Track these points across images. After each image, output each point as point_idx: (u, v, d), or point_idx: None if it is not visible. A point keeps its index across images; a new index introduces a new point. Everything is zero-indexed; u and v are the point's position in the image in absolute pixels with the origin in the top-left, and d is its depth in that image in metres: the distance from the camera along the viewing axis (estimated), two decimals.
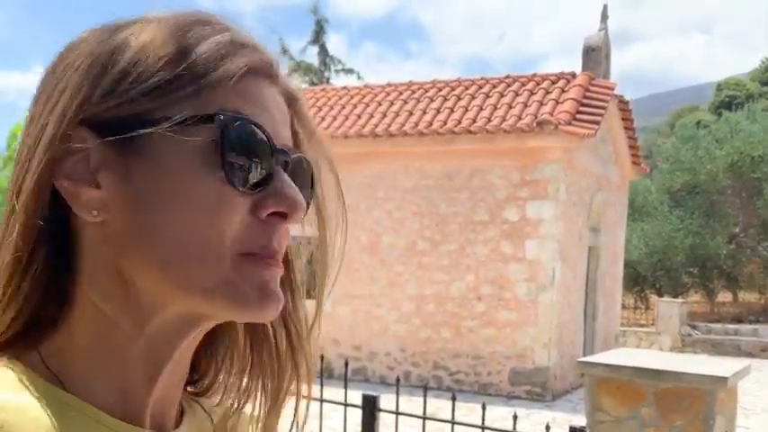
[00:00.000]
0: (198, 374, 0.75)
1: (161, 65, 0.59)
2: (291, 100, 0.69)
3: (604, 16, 14.30)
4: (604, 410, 4.26)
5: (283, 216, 0.62)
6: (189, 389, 0.74)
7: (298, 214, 0.63)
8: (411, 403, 9.94)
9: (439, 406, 10.17)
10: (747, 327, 19.04)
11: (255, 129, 0.61)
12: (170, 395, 0.68)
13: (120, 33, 0.62)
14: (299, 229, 0.67)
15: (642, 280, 22.29)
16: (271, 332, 0.72)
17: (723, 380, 3.91)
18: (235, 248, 0.60)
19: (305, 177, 0.67)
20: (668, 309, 18.95)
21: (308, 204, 0.66)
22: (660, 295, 21.01)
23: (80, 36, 0.64)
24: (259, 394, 0.72)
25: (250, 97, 0.62)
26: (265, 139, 0.61)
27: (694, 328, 19.07)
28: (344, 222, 0.73)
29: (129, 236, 0.60)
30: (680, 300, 19.71)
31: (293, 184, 0.63)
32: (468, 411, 10.03)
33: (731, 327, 19.20)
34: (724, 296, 22.45)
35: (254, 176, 0.60)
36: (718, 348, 18.19)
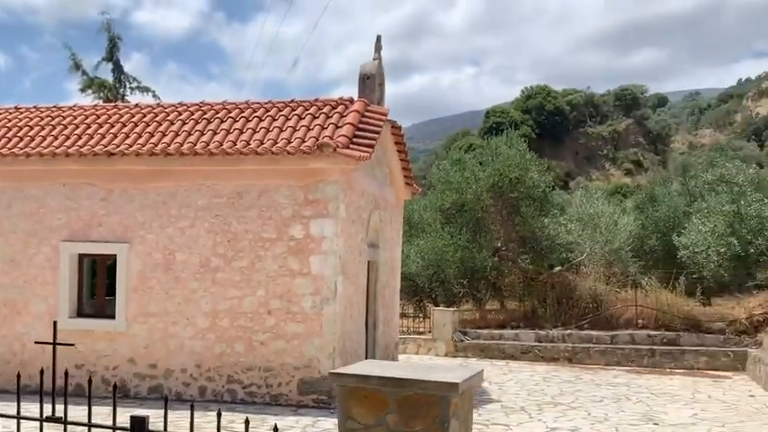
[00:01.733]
0: None
1: None
2: None
3: (378, 47, 14.91)
4: (354, 419, 4.36)
5: None
6: None
7: None
8: (206, 418, 10.34)
9: (232, 419, 10.61)
10: (510, 332, 20.21)
11: None
12: None
13: None
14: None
15: (421, 291, 23.28)
16: None
17: (455, 386, 4.14)
18: None
19: None
20: (442, 317, 20.07)
21: None
22: (437, 305, 22.01)
23: None
24: None
25: None
26: None
27: (465, 334, 20.13)
28: None
29: None
30: (452, 309, 20.83)
31: None
32: (260, 423, 10.59)
33: (496, 332, 20.30)
34: (493, 304, 24.01)
35: None
36: (485, 352, 19.50)
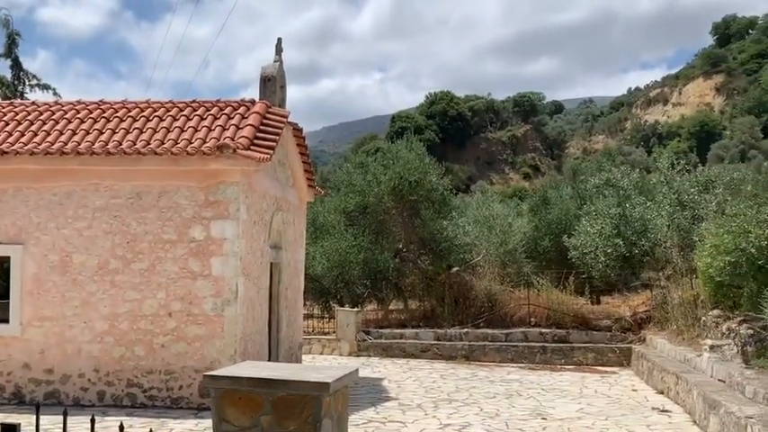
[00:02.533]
0: None
1: None
2: None
3: (279, 49, 15.02)
4: (229, 421, 4.36)
5: None
6: None
7: None
8: (102, 423, 10.23)
9: (131, 424, 10.52)
10: (411, 331, 20.63)
11: None
12: None
13: None
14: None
15: (326, 292, 23.42)
16: None
17: (326, 385, 4.21)
18: None
19: None
20: (346, 317, 20.36)
21: None
22: (342, 305, 22.22)
23: None
24: None
25: None
26: None
27: (368, 333, 20.46)
28: None
29: None
30: (356, 309, 21.13)
31: None
32: (159, 426, 10.59)
33: (398, 331, 20.72)
34: (397, 305, 24.21)
35: None
36: (387, 351, 19.88)
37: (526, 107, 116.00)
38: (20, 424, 3.68)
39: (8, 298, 12.81)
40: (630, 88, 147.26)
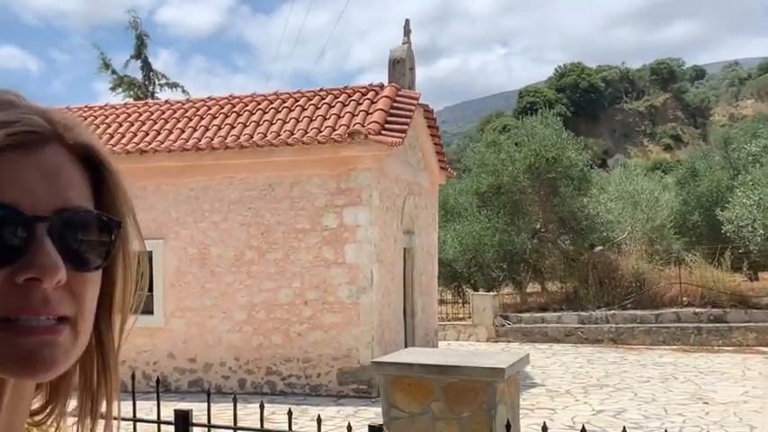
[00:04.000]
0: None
1: None
2: (81, 154, 0.70)
3: (407, 31, 14.88)
4: (398, 407, 4.30)
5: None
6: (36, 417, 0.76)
7: (50, 277, 0.63)
8: (246, 410, 10.31)
9: (273, 410, 10.57)
10: (552, 314, 19.95)
11: None
12: None
13: None
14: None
15: (459, 276, 23.13)
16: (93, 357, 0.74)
17: (501, 371, 4.09)
18: None
19: (85, 228, 0.68)
20: (481, 302, 19.87)
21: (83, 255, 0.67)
22: (476, 290, 21.81)
23: None
24: (86, 417, 0.74)
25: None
26: (9, 213, 0.62)
27: (506, 318, 19.93)
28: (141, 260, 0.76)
29: None
30: (492, 293, 20.63)
31: (49, 249, 0.63)
32: (300, 414, 10.52)
33: (538, 315, 20.08)
34: (534, 287, 23.57)
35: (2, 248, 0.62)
36: (528, 336, 19.23)
37: (664, 74, 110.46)
38: (191, 410, 3.77)
39: (152, 290, 13.21)
40: None
